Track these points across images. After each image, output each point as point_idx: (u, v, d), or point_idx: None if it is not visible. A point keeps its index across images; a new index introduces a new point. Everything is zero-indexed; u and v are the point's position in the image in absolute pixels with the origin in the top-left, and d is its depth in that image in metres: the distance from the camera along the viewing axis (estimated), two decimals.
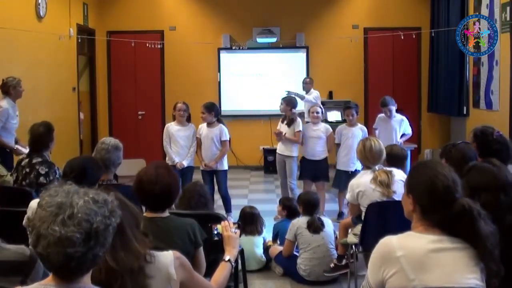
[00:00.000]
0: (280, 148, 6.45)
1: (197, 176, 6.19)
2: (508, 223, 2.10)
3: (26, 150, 4.76)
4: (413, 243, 1.85)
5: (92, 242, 1.43)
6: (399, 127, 6.47)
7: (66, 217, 1.42)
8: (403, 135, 6.54)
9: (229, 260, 2.41)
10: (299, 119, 6.35)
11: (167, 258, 2.00)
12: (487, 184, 2.19)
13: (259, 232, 5.00)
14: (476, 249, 1.83)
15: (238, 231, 2.54)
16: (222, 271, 2.37)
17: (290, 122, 6.31)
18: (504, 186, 2.18)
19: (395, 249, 1.84)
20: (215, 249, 2.82)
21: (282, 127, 6.36)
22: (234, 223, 2.57)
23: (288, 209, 5.31)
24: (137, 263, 1.86)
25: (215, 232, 2.53)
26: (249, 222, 4.98)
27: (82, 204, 1.45)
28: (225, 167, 6.20)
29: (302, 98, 7.67)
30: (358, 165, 6.08)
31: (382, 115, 6.62)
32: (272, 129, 6.83)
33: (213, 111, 6.11)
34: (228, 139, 6.16)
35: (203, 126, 6.20)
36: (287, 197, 5.77)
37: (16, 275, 1.93)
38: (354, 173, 5.96)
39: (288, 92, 7.45)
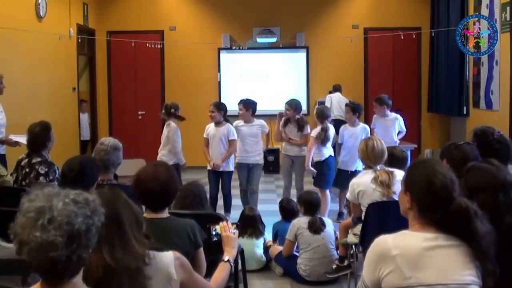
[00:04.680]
0: (288, 148, 6.38)
1: (197, 176, 6.19)
2: (507, 223, 2.09)
3: (21, 139, 4.74)
4: (408, 242, 1.86)
5: (75, 244, 1.41)
6: (395, 125, 6.49)
7: (46, 222, 1.39)
8: (398, 133, 6.57)
9: (228, 261, 2.41)
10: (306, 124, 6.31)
11: (168, 258, 2.01)
12: (485, 184, 2.19)
13: (259, 234, 5.00)
14: (471, 248, 1.84)
15: (236, 231, 2.55)
16: (222, 272, 2.37)
17: (300, 126, 6.26)
18: (503, 186, 2.18)
19: (390, 248, 1.85)
20: (215, 249, 2.82)
21: (287, 130, 6.33)
22: (233, 224, 2.57)
23: (282, 211, 5.32)
24: (135, 263, 1.86)
25: (214, 233, 2.53)
26: (249, 225, 4.97)
27: (61, 206, 1.41)
28: (231, 168, 6.20)
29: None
30: (358, 165, 6.08)
31: (376, 115, 6.67)
32: (272, 130, 6.80)
33: (222, 110, 6.14)
34: (236, 139, 6.13)
35: (210, 126, 6.23)
36: (287, 198, 5.75)
37: (16, 274, 1.93)
38: (354, 173, 5.97)
39: None
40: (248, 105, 6.26)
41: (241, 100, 6.35)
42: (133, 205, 2.00)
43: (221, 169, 6.14)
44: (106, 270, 1.85)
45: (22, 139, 4.67)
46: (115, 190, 2.05)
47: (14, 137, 5.38)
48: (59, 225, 1.39)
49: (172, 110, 6.29)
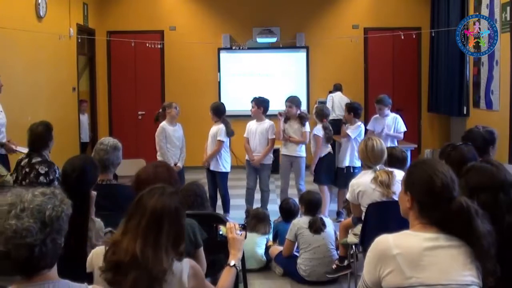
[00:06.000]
0: (287, 148, 6.38)
1: (197, 176, 6.20)
2: (508, 223, 2.09)
3: (24, 150, 4.72)
4: (409, 241, 1.87)
5: (48, 229, 1.52)
6: (393, 125, 6.49)
7: (19, 211, 1.51)
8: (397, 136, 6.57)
9: (234, 265, 2.38)
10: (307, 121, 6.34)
11: (183, 265, 2.02)
12: (485, 184, 2.19)
13: (263, 231, 5.07)
14: (472, 248, 1.84)
15: (243, 233, 2.48)
16: (227, 277, 2.34)
17: (302, 120, 6.27)
18: (502, 186, 2.18)
19: (391, 248, 1.85)
20: (215, 249, 2.82)
21: (287, 127, 6.34)
22: (240, 225, 2.51)
23: (282, 212, 5.35)
24: (157, 270, 1.88)
25: (220, 232, 2.49)
26: (260, 221, 5.08)
27: (31, 197, 1.54)
28: (223, 169, 6.22)
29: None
30: (354, 162, 6.12)
31: (376, 115, 6.67)
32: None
33: (213, 109, 6.23)
34: (222, 140, 6.14)
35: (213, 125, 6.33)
36: (285, 199, 5.77)
37: (16, 274, 1.93)
38: (348, 169, 6.06)
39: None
40: (259, 103, 6.32)
41: (253, 98, 6.42)
42: (181, 222, 2.02)
43: (211, 168, 6.20)
44: (132, 258, 1.87)
45: (23, 150, 4.64)
46: (177, 198, 2.07)
47: (15, 147, 5.33)
48: (31, 213, 1.51)
49: (160, 111, 6.31)
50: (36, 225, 1.49)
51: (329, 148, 6.35)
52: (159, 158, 6.14)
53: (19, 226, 1.48)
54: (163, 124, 6.24)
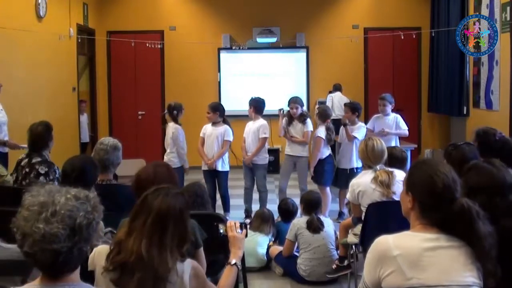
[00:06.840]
0: (291, 148, 6.38)
1: (197, 176, 6.21)
2: (503, 225, 2.07)
3: (23, 145, 4.72)
4: (409, 242, 1.86)
5: (76, 237, 1.46)
6: (394, 125, 6.48)
7: (49, 215, 1.44)
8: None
9: (235, 264, 2.36)
10: (309, 119, 6.34)
11: (185, 266, 2.02)
12: (484, 184, 2.18)
13: (267, 231, 5.09)
14: (473, 249, 1.83)
15: (244, 231, 2.47)
16: (229, 276, 2.32)
17: (304, 119, 6.28)
18: (501, 187, 2.17)
19: (391, 249, 1.84)
20: (215, 249, 2.82)
21: (291, 129, 6.33)
22: (240, 224, 2.51)
23: (280, 212, 5.37)
24: (162, 270, 1.89)
25: (221, 231, 2.49)
26: (265, 221, 5.10)
27: (64, 201, 1.47)
28: (226, 168, 6.24)
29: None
30: (357, 163, 6.11)
31: (377, 115, 6.66)
32: (275, 127, 6.81)
33: (217, 110, 6.18)
34: (230, 140, 6.17)
35: (208, 126, 6.27)
36: (283, 199, 5.76)
37: (16, 274, 1.93)
38: (352, 171, 6.01)
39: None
40: (251, 103, 6.36)
41: (250, 98, 6.43)
42: (185, 223, 2.03)
43: (219, 169, 6.16)
44: (138, 258, 1.88)
45: (24, 146, 4.64)
46: (182, 199, 2.08)
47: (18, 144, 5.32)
48: (62, 218, 1.44)
49: (175, 112, 6.26)
50: (65, 232, 1.44)
51: (328, 149, 6.32)
52: (174, 159, 6.05)
53: (47, 231, 1.43)
54: (178, 125, 6.22)
